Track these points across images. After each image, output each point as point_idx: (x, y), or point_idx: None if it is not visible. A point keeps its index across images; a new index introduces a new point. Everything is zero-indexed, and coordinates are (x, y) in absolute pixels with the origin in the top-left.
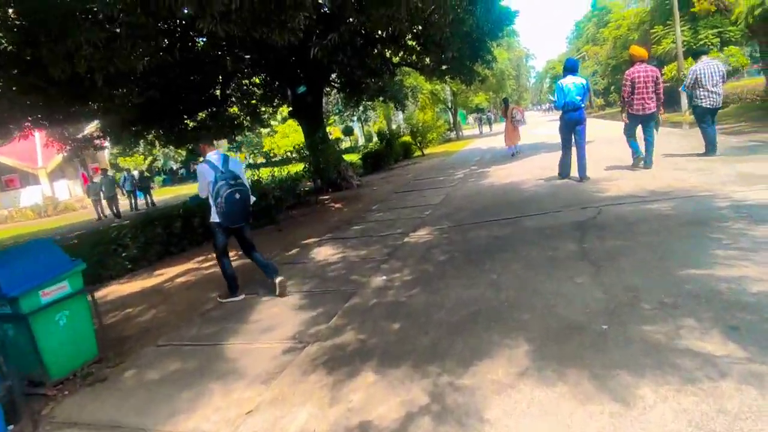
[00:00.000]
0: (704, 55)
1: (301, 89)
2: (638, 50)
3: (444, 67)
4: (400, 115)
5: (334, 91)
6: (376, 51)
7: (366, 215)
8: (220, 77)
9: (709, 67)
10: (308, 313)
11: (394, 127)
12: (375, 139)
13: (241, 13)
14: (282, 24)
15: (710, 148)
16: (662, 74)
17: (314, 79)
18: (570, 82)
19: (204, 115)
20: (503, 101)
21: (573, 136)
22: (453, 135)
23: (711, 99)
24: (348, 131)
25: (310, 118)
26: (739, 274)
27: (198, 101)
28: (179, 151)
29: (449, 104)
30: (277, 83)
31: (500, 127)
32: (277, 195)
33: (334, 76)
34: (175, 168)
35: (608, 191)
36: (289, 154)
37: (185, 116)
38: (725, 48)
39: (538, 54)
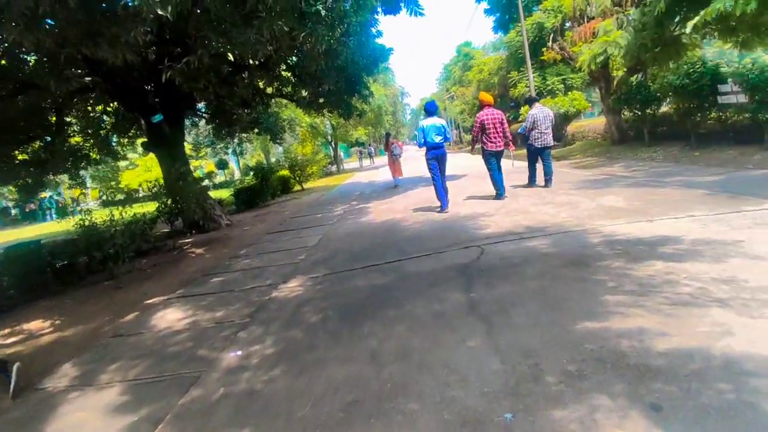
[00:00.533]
0: (536, 102)
1: (157, 118)
2: (486, 96)
3: (321, 100)
4: (280, 148)
5: (203, 121)
6: (246, 80)
7: (231, 263)
8: (52, 102)
9: (542, 112)
10: (124, 419)
11: (273, 160)
12: (252, 173)
13: (58, 23)
14: (114, 38)
15: (532, 181)
16: (519, 114)
17: (172, 107)
18: (430, 123)
19: (37, 146)
20: (385, 135)
21: (438, 169)
22: (334, 168)
23: (542, 140)
24: (222, 164)
25: (169, 150)
26: (636, 325)
27: (26, 129)
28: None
29: (329, 138)
30: (127, 111)
31: (381, 159)
32: (119, 242)
33: (201, 105)
34: (7, 206)
35: (487, 228)
36: (154, 190)
37: (12, 147)
38: (569, 92)
39: (412, 92)
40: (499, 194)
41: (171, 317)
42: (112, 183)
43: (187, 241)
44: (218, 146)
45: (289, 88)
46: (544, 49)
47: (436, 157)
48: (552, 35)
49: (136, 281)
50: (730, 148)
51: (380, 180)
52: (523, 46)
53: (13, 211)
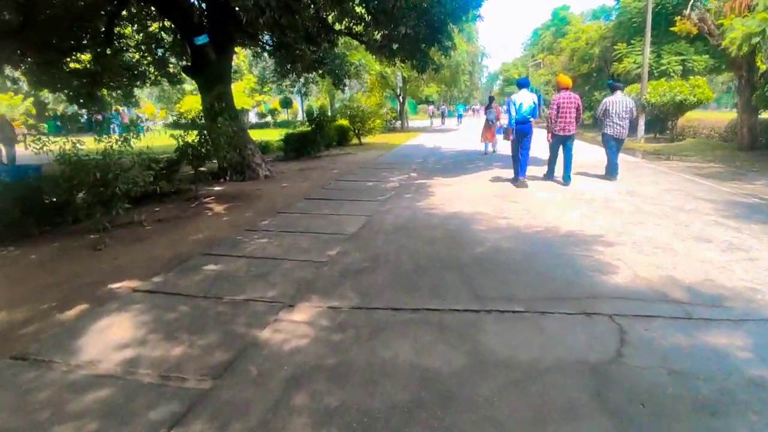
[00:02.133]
0: (619, 90)
1: (201, 40)
2: (564, 79)
3: (395, 46)
4: (346, 94)
5: (266, 54)
6: (312, 10)
7: (245, 237)
8: (99, 8)
9: (620, 101)
10: None
11: (337, 106)
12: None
13: None
14: None
15: (610, 170)
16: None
17: (221, 31)
18: (521, 97)
19: (88, 57)
20: (489, 98)
21: (522, 144)
22: (398, 125)
23: (615, 129)
24: (286, 103)
25: (212, 79)
26: None
27: (75, 35)
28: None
29: (398, 91)
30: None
31: (451, 122)
32: (124, 186)
33: (264, 36)
34: (79, 114)
35: (607, 264)
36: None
37: (62, 53)
38: (689, 77)
39: (493, 54)
40: (566, 179)
41: (112, 337)
42: (177, 106)
43: (214, 189)
44: (284, 83)
45: (361, 27)
46: (678, 18)
47: (523, 131)
48: (691, 1)
49: (123, 241)
50: None
51: (446, 147)
52: (640, 14)
53: (83, 119)
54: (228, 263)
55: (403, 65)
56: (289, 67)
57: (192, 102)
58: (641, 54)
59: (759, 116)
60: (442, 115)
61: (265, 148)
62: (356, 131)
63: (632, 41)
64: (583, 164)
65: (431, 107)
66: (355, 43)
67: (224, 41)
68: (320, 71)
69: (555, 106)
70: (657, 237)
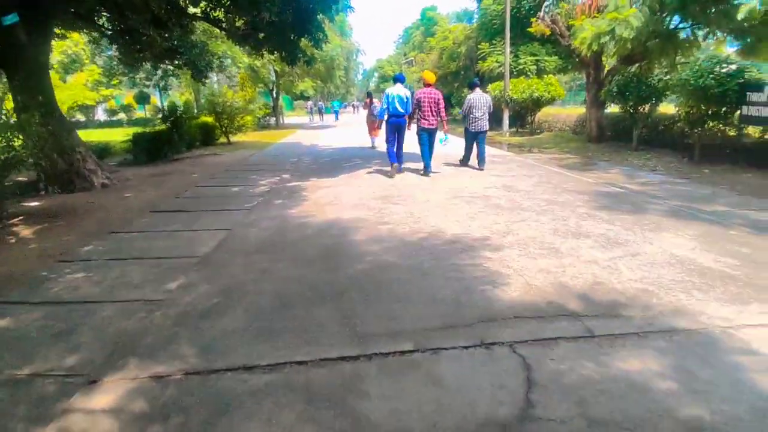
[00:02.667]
0: (477, 87)
1: (9, 19)
2: (428, 75)
3: (261, 35)
4: (216, 88)
5: (105, 40)
6: None
7: (54, 272)
8: None
9: (480, 97)
10: None
11: (203, 101)
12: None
13: None
14: None
15: (465, 160)
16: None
17: (37, 8)
18: (395, 92)
19: None
20: (366, 94)
21: (396, 136)
22: (273, 122)
23: (476, 124)
24: (142, 98)
25: (25, 69)
26: None
27: None
28: None
29: (271, 86)
30: None
31: (329, 119)
32: None
33: (104, 20)
34: None
35: (498, 274)
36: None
37: None
38: (543, 76)
39: (368, 51)
40: (426, 168)
41: None
42: None
43: (31, 205)
44: (137, 76)
45: (220, 13)
46: (533, 19)
47: (396, 125)
48: (546, 4)
49: None
50: (745, 171)
51: (323, 145)
52: (499, 16)
53: None
54: (17, 316)
55: (272, 58)
56: (137, 56)
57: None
58: (502, 54)
59: (605, 111)
60: (320, 112)
61: (103, 150)
62: (224, 129)
63: (493, 42)
64: (457, 157)
65: (309, 103)
66: (218, 31)
67: (39, 21)
68: (176, 62)
69: (416, 101)
70: (540, 236)
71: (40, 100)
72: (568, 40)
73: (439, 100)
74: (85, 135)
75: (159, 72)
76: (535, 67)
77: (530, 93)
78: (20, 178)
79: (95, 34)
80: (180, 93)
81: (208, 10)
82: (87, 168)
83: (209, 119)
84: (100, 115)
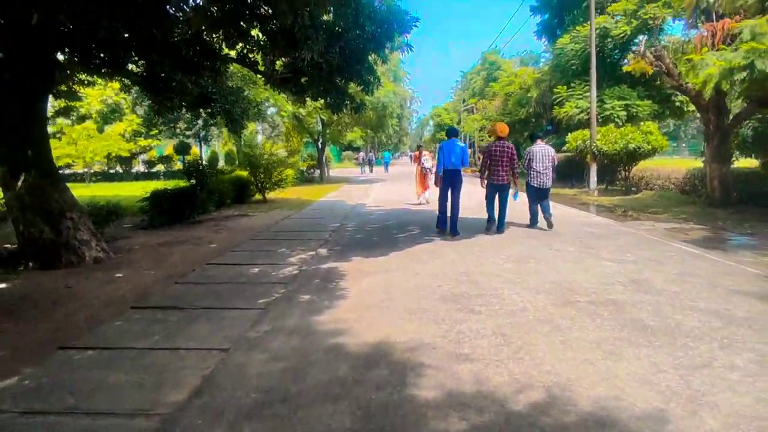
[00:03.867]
0: (539, 138)
1: None
2: (501, 127)
3: (303, 79)
4: (260, 138)
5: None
6: (188, 31)
7: None
8: None
9: (542, 150)
10: None
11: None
12: (222, 163)
13: None
14: None
15: (532, 222)
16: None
17: (30, 49)
18: (450, 145)
19: None
20: (417, 147)
21: (449, 192)
22: (317, 174)
23: (538, 179)
24: (182, 149)
25: (11, 115)
26: None
27: None
28: None
29: (317, 136)
30: None
31: (378, 171)
32: None
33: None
34: None
35: None
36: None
37: None
38: (641, 123)
39: (423, 99)
40: (496, 225)
41: None
42: None
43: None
44: (177, 126)
45: (258, 55)
46: (629, 55)
47: (451, 179)
48: (641, 38)
49: None
50: None
51: (372, 204)
52: (577, 56)
53: None
54: None
55: (317, 105)
56: (167, 104)
57: None
58: (583, 98)
59: (731, 166)
60: (369, 163)
61: (110, 213)
62: (259, 185)
63: (572, 85)
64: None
65: (361, 154)
66: (257, 76)
67: (32, 58)
68: (208, 110)
69: (487, 154)
70: (750, 413)
71: (28, 155)
72: (678, 80)
73: (513, 154)
74: (114, 189)
75: (200, 122)
76: (624, 113)
77: (624, 143)
78: (6, 245)
79: (126, 81)
80: (222, 144)
81: (244, 52)
82: (78, 238)
83: (243, 174)
84: (141, 166)
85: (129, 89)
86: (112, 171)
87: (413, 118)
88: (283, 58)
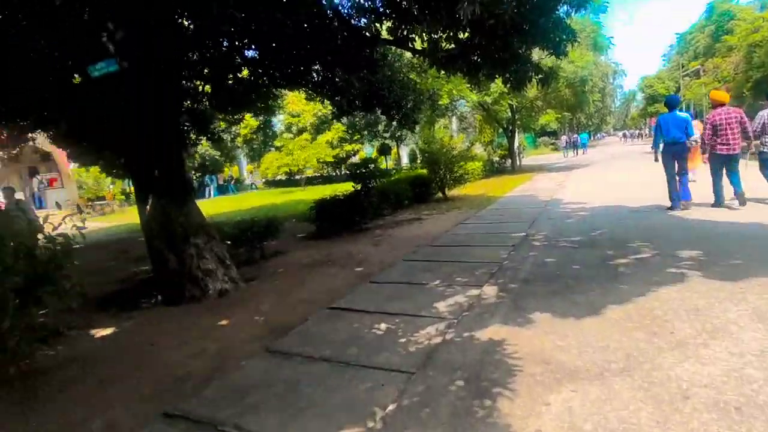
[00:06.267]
0: None
1: (101, 69)
2: (718, 95)
3: (475, 56)
4: (455, 123)
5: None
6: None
7: None
8: None
9: None
10: None
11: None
12: (406, 161)
13: None
14: None
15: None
16: None
17: (160, 54)
18: (670, 116)
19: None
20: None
21: (675, 165)
22: (509, 164)
23: None
24: (385, 150)
25: (141, 133)
26: None
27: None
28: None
29: (505, 124)
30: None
31: (578, 157)
32: None
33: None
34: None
35: None
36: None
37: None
38: None
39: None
40: (718, 199)
41: None
42: (262, 166)
43: (95, 335)
44: (377, 129)
45: (413, 30)
46: None
47: (673, 153)
48: None
49: None
50: None
51: (570, 199)
52: None
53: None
54: None
55: (502, 88)
56: (339, 104)
57: (269, 160)
58: None
59: None
60: (574, 146)
61: (268, 228)
62: (438, 182)
63: None
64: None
65: (564, 136)
66: (417, 61)
67: (159, 71)
68: (381, 107)
69: (709, 126)
70: None
71: (155, 175)
72: None
73: (743, 118)
74: (319, 191)
75: (394, 123)
76: None
77: None
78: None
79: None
80: (420, 139)
81: (397, 28)
82: (202, 268)
83: (423, 172)
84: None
85: (313, 98)
86: (325, 175)
87: (617, 95)
88: (440, 30)
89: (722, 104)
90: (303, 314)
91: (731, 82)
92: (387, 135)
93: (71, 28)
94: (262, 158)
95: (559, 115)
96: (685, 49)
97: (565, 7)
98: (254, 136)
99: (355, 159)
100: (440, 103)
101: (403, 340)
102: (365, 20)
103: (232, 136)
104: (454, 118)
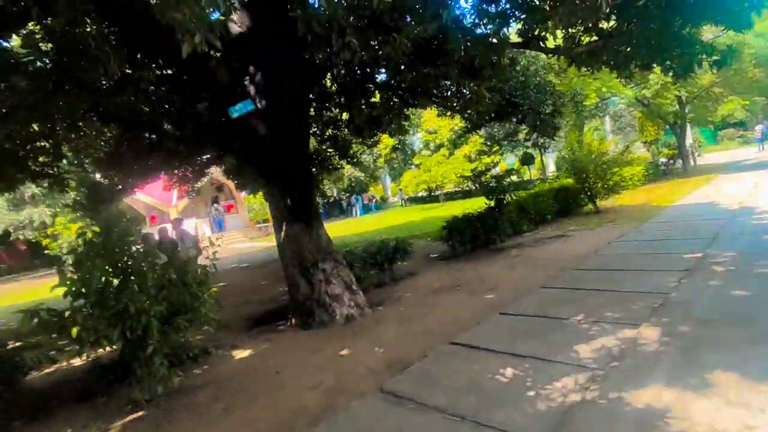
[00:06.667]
0: None
1: (239, 109)
2: None
3: (621, 45)
4: (608, 124)
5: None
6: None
7: None
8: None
9: None
10: None
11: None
12: (552, 169)
13: None
14: None
15: None
16: None
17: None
18: None
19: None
20: None
21: None
22: (680, 165)
23: None
24: (527, 159)
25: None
26: None
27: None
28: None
29: (671, 118)
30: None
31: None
32: None
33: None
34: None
35: None
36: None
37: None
38: None
39: None
40: None
41: None
42: (402, 184)
43: (230, 358)
44: (518, 138)
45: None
46: None
47: None
48: None
49: None
50: None
51: (764, 206)
52: None
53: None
54: None
55: (666, 79)
56: (475, 118)
57: (408, 178)
58: None
59: None
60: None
61: (397, 251)
62: (588, 192)
63: None
64: None
65: (760, 127)
66: (549, 60)
67: (299, 99)
68: (517, 116)
69: None
70: None
71: (289, 200)
72: None
73: None
74: (458, 206)
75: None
76: None
77: None
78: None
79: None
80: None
81: (529, 33)
82: (330, 293)
83: (569, 182)
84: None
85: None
86: (466, 189)
87: None
88: (577, 24)
89: None
90: (423, 347)
91: None
92: (528, 144)
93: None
94: (402, 176)
95: (747, 102)
96: None
97: None
98: (393, 156)
99: (496, 171)
100: (586, 103)
101: (531, 393)
102: (491, 26)
103: (374, 158)
104: (606, 118)
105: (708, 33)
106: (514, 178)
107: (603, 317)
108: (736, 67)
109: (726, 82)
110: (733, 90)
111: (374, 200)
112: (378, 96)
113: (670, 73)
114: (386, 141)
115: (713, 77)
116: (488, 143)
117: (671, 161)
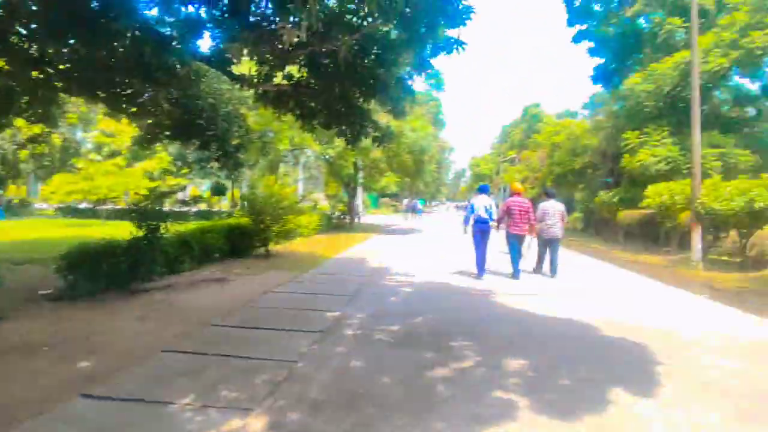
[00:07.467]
0: (552, 197)
1: None
2: (516, 187)
3: (309, 101)
4: (301, 173)
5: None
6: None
7: None
8: None
9: (553, 206)
10: None
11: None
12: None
13: None
14: None
15: (538, 267)
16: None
17: None
18: (480, 201)
19: None
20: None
21: (482, 241)
22: (347, 220)
23: (548, 232)
24: (220, 190)
25: None
26: None
27: None
28: None
29: (347, 179)
30: None
31: (415, 221)
32: None
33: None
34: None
35: None
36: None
37: None
38: (740, 176)
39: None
40: (514, 274)
41: None
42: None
43: None
44: (210, 165)
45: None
46: None
47: (481, 230)
48: None
49: None
50: None
51: (399, 268)
52: (651, 97)
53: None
54: None
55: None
56: (156, 130)
57: (58, 182)
58: (660, 144)
59: None
60: (413, 210)
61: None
62: (260, 235)
63: (645, 131)
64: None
65: (405, 201)
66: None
67: None
68: (198, 139)
69: (505, 208)
70: None
71: None
72: None
73: (529, 209)
74: (119, 228)
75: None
76: (719, 163)
77: (746, 201)
78: None
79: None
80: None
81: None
82: None
83: (244, 221)
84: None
85: (116, 116)
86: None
87: (451, 168)
88: (268, 57)
89: (518, 194)
90: None
91: (539, 173)
92: (222, 174)
93: None
94: (51, 179)
95: (399, 179)
96: (505, 139)
97: (407, 68)
98: (43, 149)
99: (186, 195)
100: (279, 147)
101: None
102: (178, 28)
103: (15, 146)
104: (300, 167)
105: (382, 117)
106: (203, 206)
107: (217, 398)
108: (396, 150)
109: (388, 160)
110: (392, 167)
111: (3, 202)
112: (3, 63)
113: (343, 138)
114: (33, 129)
115: (380, 153)
116: (178, 163)
117: (342, 216)
